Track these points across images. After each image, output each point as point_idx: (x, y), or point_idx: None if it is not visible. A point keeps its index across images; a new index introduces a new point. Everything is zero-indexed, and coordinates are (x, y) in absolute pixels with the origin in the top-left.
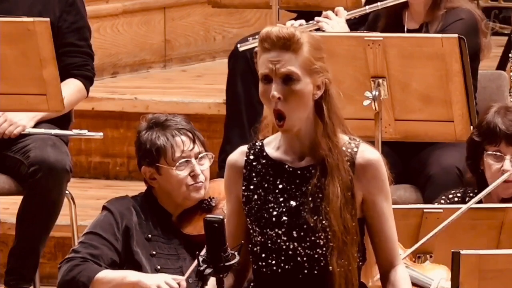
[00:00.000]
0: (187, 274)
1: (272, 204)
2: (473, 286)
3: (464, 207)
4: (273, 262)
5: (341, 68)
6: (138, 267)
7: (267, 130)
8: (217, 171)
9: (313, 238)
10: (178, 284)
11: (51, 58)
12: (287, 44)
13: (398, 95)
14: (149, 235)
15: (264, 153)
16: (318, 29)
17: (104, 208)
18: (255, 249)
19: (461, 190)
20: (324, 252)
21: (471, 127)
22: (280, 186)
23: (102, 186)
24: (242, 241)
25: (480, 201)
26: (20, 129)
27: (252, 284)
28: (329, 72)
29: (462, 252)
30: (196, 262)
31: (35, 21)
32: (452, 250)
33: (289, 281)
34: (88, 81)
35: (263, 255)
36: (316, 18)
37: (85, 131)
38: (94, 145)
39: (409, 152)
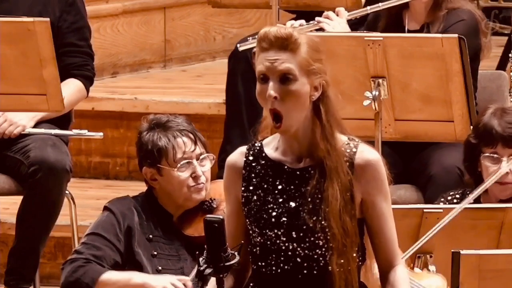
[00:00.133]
0: (192, 275)
1: (272, 205)
2: (473, 286)
3: (458, 207)
4: (273, 262)
5: (341, 68)
6: (139, 268)
7: (266, 131)
8: (217, 171)
9: (312, 238)
10: (184, 284)
11: (51, 58)
12: (285, 44)
13: (398, 95)
14: (150, 236)
15: (263, 154)
16: (319, 29)
17: (106, 208)
18: (254, 249)
19: (459, 191)
20: (323, 252)
21: (471, 127)
22: (280, 187)
23: (102, 186)
24: (242, 241)
25: (479, 202)
26: (20, 129)
27: (251, 284)
28: (327, 74)
29: (462, 252)
30: None
31: (35, 21)
32: (452, 250)
33: (289, 281)
34: (88, 81)
35: (263, 256)
36: (317, 19)
37: (85, 131)
38: (94, 145)
39: (410, 152)
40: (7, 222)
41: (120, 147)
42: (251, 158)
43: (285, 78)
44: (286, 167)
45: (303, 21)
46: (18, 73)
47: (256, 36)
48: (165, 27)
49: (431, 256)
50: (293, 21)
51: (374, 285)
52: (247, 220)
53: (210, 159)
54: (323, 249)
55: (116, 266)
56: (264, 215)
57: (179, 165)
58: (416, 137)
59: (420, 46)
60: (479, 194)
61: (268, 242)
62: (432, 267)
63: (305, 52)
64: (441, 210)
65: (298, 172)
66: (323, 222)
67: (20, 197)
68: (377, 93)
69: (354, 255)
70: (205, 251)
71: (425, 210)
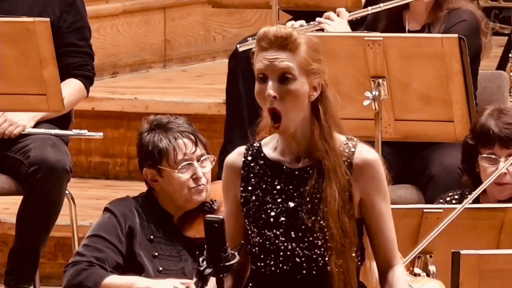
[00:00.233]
0: (195, 278)
1: (270, 205)
2: (473, 286)
3: (458, 207)
4: (272, 262)
5: (341, 68)
6: (141, 269)
7: (264, 131)
8: (217, 170)
9: (311, 238)
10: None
11: (51, 58)
12: (284, 43)
13: (398, 95)
14: (151, 236)
15: (262, 154)
16: (319, 30)
17: (107, 210)
18: (253, 250)
19: (458, 192)
20: (322, 252)
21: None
22: (278, 187)
23: (102, 186)
24: (242, 241)
25: (477, 202)
26: (20, 129)
27: (250, 284)
28: (326, 74)
29: (462, 252)
30: None
31: (35, 21)
32: (452, 250)
33: (288, 281)
34: (88, 81)
35: (262, 256)
36: (318, 19)
37: (85, 131)
38: (94, 145)
39: (410, 152)
40: (7, 222)
41: (120, 147)
42: (249, 158)
43: (284, 78)
44: (284, 167)
45: (303, 22)
46: (18, 73)
47: (256, 36)
48: (165, 27)
49: (431, 256)
50: (293, 22)
51: None
52: (246, 220)
53: (210, 161)
54: (322, 249)
55: (118, 268)
56: (263, 215)
57: (179, 166)
58: (416, 137)
59: (420, 46)
60: (478, 194)
61: (267, 242)
62: (432, 267)
63: (305, 52)
64: (441, 210)
65: (296, 172)
66: (321, 222)
67: (20, 197)
68: (377, 93)
69: (353, 255)
70: (205, 251)
71: (425, 210)
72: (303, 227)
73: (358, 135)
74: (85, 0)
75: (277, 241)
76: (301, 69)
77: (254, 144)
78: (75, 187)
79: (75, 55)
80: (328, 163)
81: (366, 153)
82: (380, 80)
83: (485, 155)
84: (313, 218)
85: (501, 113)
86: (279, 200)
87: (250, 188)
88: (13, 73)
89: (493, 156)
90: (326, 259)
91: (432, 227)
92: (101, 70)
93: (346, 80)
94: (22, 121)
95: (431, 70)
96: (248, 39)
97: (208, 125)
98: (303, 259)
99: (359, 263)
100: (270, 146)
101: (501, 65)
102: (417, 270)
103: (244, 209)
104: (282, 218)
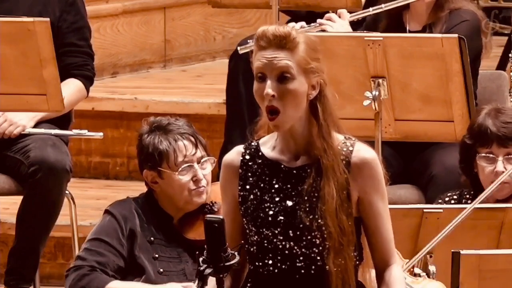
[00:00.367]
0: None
1: (268, 204)
2: (473, 286)
3: (469, 207)
4: (270, 262)
5: (341, 68)
6: (141, 271)
7: (262, 130)
8: (217, 171)
9: (309, 237)
10: None
11: (51, 58)
12: (283, 42)
13: (398, 95)
14: (152, 238)
15: (260, 153)
16: (321, 32)
17: (107, 212)
18: (251, 249)
19: (457, 192)
20: (320, 251)
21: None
22: (276, 186)
23: (102, 186)
24: (242, 241)
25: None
26: (20, 129)
27: (249, 285)
28: (325, 73)
29: (462, 252)
30: None
31: (35, 21)
32: (452, 250)
33: (286, 280)
34: (88, 81)
35: (260, 255)
36: (319, 21)
37: (85, 131)
38: (94, 145)
39: (411, 152)
40: (7, 222)
41: (120, 147)
42: (247, 157)
43: (283, 77)
44: (282, 166)
45: (303, 23)
46: (18, 73)
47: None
48: (165, 27)
49: (431, 256)
50: (293, 23)
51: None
52: (244, 219)
53: (210, 162)
54: (320, 248)
55: (120, 271)
56: (261, 214)
57: (180, 168)
58: (416, 137)
59: (420, 46)
60: (477, 194)
61: (265, 241)
62: (432, 267)
63: (303, 51)
64: (441, 210)
65: (294, 171)
66: (319, 221)
67: (20, 197)
68: (377, 93)
69: (351, 254)
70: (205, 251)
71: (425, 210)
72: (301, 225)
73: (358, 135)
74: (85, 0)
75: (275, 240)
76: (299, 68)
77: (252, 143)
78: (75, 187)
79: (75, 55)
80: (326, 162)
81: (364, 152)
82: (380, 80)
83: (483, 154)
84: (311, 217)
85: (498, 112)
86: (277, 199)
87: (248, 187)
88: (13, 73)
89: (491, 155)
90: (325, 258)
91: (432, 227)
92: (101, 70)
93: (346, 80)
94: (22, 121)
95: (431, 70)
96: (248, 41)
97: (208, 125)
98: (301, 258)
99: (357, 262)
100: (269, 145)
101: (501, 65)
102: (417, 270)
103: (242, 208)
104: (280, 217)
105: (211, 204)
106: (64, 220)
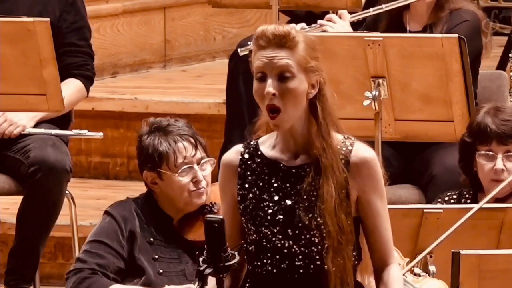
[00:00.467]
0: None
1: (267, 203)
2: (473, 286)
3: (476, 207)
4: (269, 261)
5: (341, 68)
6: (141, 272)
7: (261, 130)
8: (217, 171)
9: (308, 236)
10: None
11: (51, 58)
12: (283, 41)
13: (398, 95)
14: (151, 239)
15: (259, 152)
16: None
17: (107, 213)
18: (250, 248)
19: (456, 192)
20: (319, 250)
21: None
22: (275, 185)
23: (102, 186)
24: (242, 241)
25: (475, 202)
26: (20, 129)
27: (248, 285)
28: (324, 72)
29: (462, 252)
30: None
31: (35, 21)
32: (452, 250)
33: (285, 280)
34: (88, 81)
35: (258, 254)
36: (320, 22)
37: (85, 131)
38: (94, 145)
39: (411, 152)
40: (7, 222)
41: (120, 147)
42: (246, 156)
43: (283, 76)
44: (281, 165)
45: (304, 24)
46: (18, 73)
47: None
48: (165, 27)
49: (431, 256)
50: (293, 24)
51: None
52: (243, 218)
53: (210, 163)
54: (319, 247)
55: (120, 273)
56: (260, 213)
57: (180, 170)
58: (416, 137)
59: (420, 46)
60: (476, 193)
61: (264, 240)
62: (432, 267)
63: (303, 50)
64: (441, 210)
65: (293, 170)
66: (318, 219)
67: (20, 197)
68: (377, 93)
69: (350, 253)
70: (205, 251)
71: (425, 210)
72: (300, 224)
73: (358, 135)
74: (85, 0)
75: (274, 239)
76: (299, 67)
77: (251, 142)
78: (75, 187)
79: (75, 55)
80: (325, 161)
81: (363, 152)
82: (380, 80)
83: (482, 152)
84: (309, 216)
85: (497, 110)
86: (276, 198)
87: (247, 186)
88: (13, 73)
89: (490, 153)
90: (323, 257)
91: (432, 227)
92: (101, 70)
93: (346, 80)
94: (22, 121)
95: (431, 70)
96: (248, 43)
97: (208, 125)
98: (300, 257)
99: (356, 262)
100: (268, 145)
101: (501, 65)
102: (417, 270)
103: (241, 207)
104: (279, 216)
105: (210, 205)
106: (64, 220)
